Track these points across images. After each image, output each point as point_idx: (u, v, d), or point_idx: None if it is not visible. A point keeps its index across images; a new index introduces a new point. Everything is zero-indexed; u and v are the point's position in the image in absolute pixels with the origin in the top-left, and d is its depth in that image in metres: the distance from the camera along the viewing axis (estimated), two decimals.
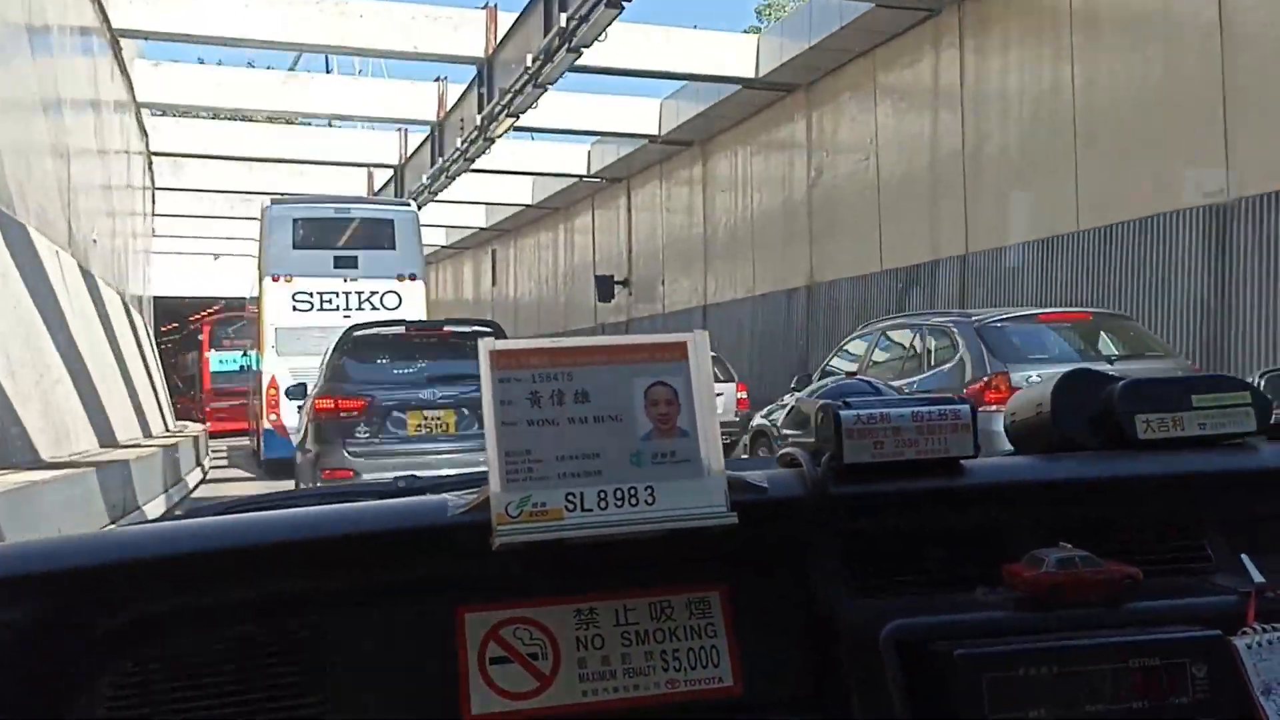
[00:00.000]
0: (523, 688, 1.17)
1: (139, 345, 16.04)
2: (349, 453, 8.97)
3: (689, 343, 1.22)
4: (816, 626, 1.23)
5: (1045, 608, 1.18)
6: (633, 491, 1.17)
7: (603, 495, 1.16)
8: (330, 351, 9.82)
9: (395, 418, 9.14)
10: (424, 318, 16.16)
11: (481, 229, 35.20)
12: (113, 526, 1.34)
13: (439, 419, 9.14)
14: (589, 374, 1.19)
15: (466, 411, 9.12)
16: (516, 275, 35.68)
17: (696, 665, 1.22)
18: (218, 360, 34.37)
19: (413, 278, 17.60)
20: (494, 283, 37.21)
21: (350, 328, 10.18)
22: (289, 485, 10.99)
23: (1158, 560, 1.28)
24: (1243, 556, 1.24)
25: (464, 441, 9.04)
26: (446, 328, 10.06)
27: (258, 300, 18.29)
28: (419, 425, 9.14)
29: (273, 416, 16.64)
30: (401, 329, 10.15)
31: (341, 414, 9.07)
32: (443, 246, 37.57)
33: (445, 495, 1.24)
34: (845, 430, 1.24)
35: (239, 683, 1.13)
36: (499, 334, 9.86)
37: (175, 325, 42.06)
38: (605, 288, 25.76)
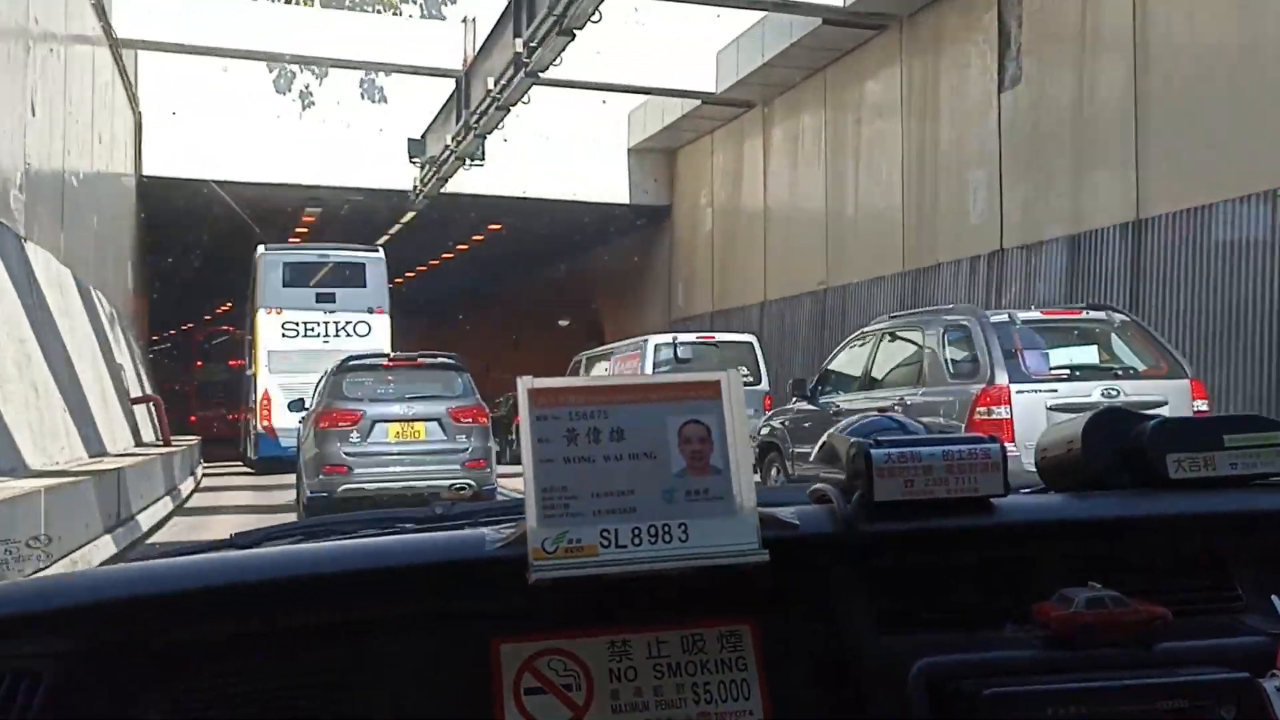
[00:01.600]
0: (557, 718, 1.18)
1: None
2: (345, 453, 11.55)
3: (722, 381, 1.23)
4: (846, 662, 1.24)
5: (1074, 648, 1.19)
6: (666, 529, 1.18)
7: (636, 532, 1.17)
8: (329, 375, 12.49)
9: (379, 428, 11.72)
10: (388, 343, 20.74)
11: None
12: (152, 557, 1.38)
13: (413, 428, 11.79)
14: (624, 412, 1.20)
15: (433, 423, 11.77)
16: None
17: (728, 698, 1.23)
18: (203, 373, 35.96)
19: (380, 310, 21.76)
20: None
21: (345, 358, 12.85)
22: (278, 480, 13.18)
23: (1188, 600, 1.29)
24: (1273, 598, 1.26)
25: (431, 445, 11.71)
26: (419, 359, 12.87)
27: (252, 327, 22.15)
28: (397, 433, 11.76)
29: (265, 423, 20.32)
30: (384, 359, 13.12)
31: (339, 424, 11.70)
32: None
33: (483, 529, 1.25)
34: (876, 468, 1.25)
35: (279, 708, 1.14)
36: (461, 365, 12.64)
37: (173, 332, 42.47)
38: None
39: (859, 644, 1.24)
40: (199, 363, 37.44)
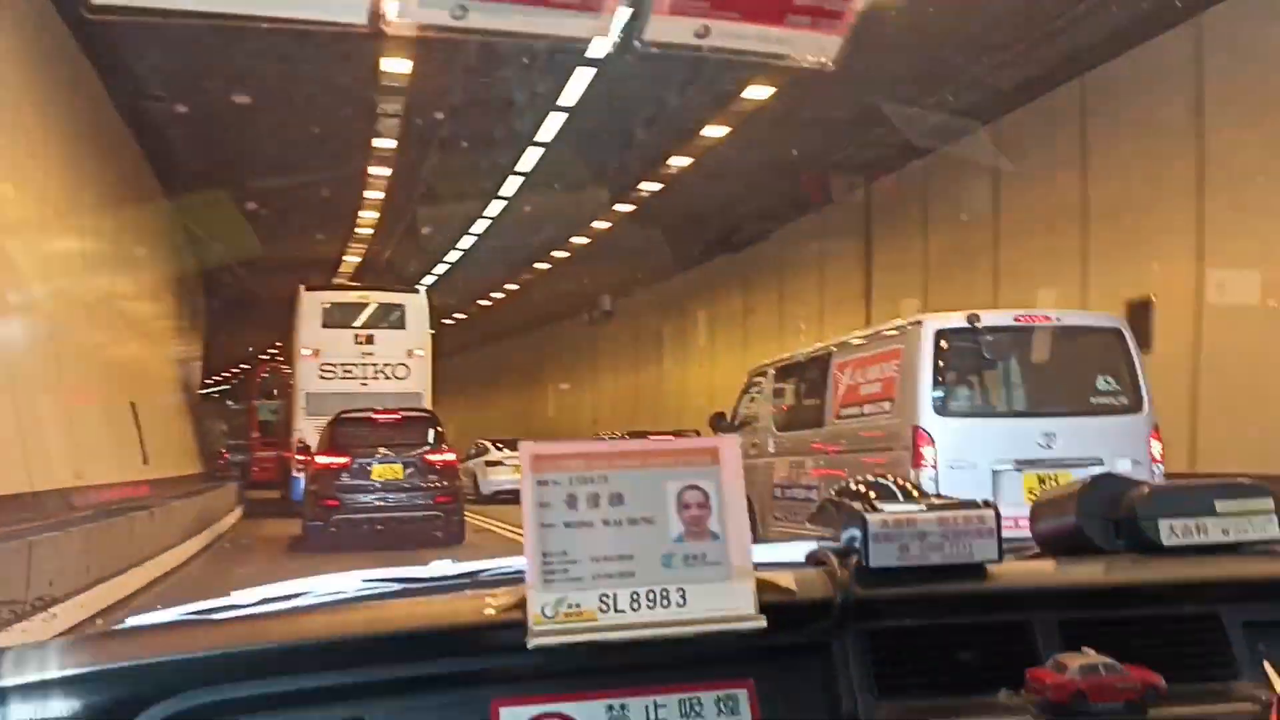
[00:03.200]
0: None
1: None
2: (336, 488, 14.34)
3: (720, 447, 1.26)
4: None
5: (1068, 714, 1.19)
6: (664, 593, 1.20)
7: (635, 597, 1.20)
8: (327, 426, 15.28)
9: (365, 469, 14.48)
10: (427, 386, 20.98)
11: None
12: (168, 613, 1.41)
13: (392, 469, 14.59)
14: (624, 477, 1.23)
15: (408, 466, 14.65)
16: None
17: None
18: (267, 410, 31.98)
19: (419, 354, 21.50)
20: None
21: (339, 413, 15.56)
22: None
23: (1181, 667, 1.30)
24: (1266, 664, 1.26)
25: (405, 482, 14.55)
26: (400, 414, 15.71)
27: (291, 368, 21.85)
28: (379, 474, 14.54)
29: (299, 469, 19.94)
30: (370, 413, 15.59)
31: (333, 466, 14.55)
32: None
33: (484, 591, 1.27)
34: (872, 534, 1.27)
35: None
36: (434, 418, 15.93)
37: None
38: None
39: (855, 708, 1.25)
40: (255, 400, 34.05)
